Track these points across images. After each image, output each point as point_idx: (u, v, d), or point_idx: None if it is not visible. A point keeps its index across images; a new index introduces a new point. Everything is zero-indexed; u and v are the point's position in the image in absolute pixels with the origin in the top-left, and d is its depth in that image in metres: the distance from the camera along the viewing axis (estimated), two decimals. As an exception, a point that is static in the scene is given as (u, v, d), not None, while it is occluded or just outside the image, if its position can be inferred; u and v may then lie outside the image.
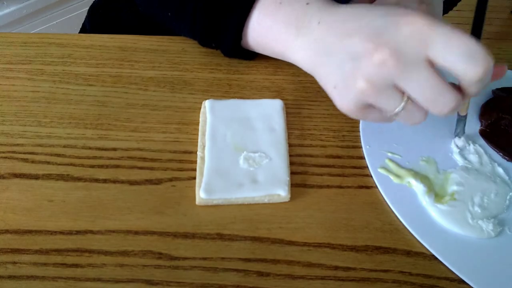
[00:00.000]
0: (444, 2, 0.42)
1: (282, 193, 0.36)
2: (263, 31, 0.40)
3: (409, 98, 0.31)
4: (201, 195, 0.35)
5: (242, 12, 0.40)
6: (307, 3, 0.36)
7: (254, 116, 0.41)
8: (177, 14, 0.45)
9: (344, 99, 0.33)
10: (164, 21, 0.47)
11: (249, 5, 0.40)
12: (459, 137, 0.40)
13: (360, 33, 0.31)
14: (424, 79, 0.29)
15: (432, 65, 0.29)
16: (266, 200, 0.36)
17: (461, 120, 0.40)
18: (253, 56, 0.46)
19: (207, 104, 0.41)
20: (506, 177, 0.38)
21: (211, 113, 0.40)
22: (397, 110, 0.31)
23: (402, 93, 0.30)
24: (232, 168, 0.37)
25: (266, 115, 0.41)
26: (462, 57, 0.28)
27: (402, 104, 0.31)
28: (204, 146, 0.38)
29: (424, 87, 0.29)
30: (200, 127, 0.40)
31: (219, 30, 0.42)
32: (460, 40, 0.28)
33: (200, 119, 0.41)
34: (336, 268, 0.33)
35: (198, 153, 0.38)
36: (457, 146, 0.40)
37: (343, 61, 0.32)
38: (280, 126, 0.40)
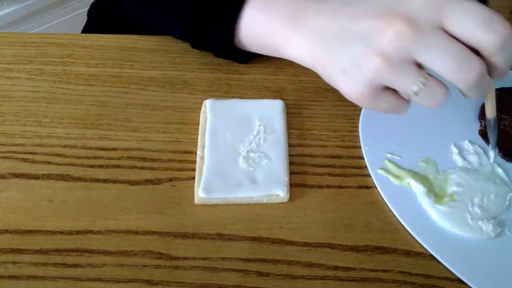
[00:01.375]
0: None
1: (280, 193, 0.36)
2: (256, 27, 0.38)
3: (428, 74, 0.29)
4: (200, 194, 0.35)
5: (233, 8, 0.38)
6: None
7: (254, 116, 0.41)
8: (165, 14, 0.43)
9: (355, 83, 0.30)
10: (152, 21, 0.45)
11: (240, 1, 0.38)
12: (493, 149, 0.37)
13: (366, 13, 0.29)
14: (445, 45, 0.27)
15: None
16: (264, 200, 0.36)
17: (491, 126, 0.36)
18: (247, 58, 0.44)
19: (208, 103, 0.41)
20: (506, 178, 0.38)
21: (212, 112, 0.40)
22: (415, 88, 0.28)
23: (420, 69, 0.28)
24: (231, 167, 0.37)
25: (266, 115, 0.41)
26: (480, 23, 0.27)
27: (421, 79, 0.28)
28: (204, 146, 0.38)
29: (446, 54, 0.27)
30: (200, 127, 0.40)
31: (211, 29, 0.40)
32: (476, 7, 0.27)
33: (200, 119, 0.41)
34: (336, 268, 0.33)
35: (197, 152, 0.38)
36: (491, 157, 0.37)
37: (350, 43, 0.30)
38: (280, 126, 0.40)
